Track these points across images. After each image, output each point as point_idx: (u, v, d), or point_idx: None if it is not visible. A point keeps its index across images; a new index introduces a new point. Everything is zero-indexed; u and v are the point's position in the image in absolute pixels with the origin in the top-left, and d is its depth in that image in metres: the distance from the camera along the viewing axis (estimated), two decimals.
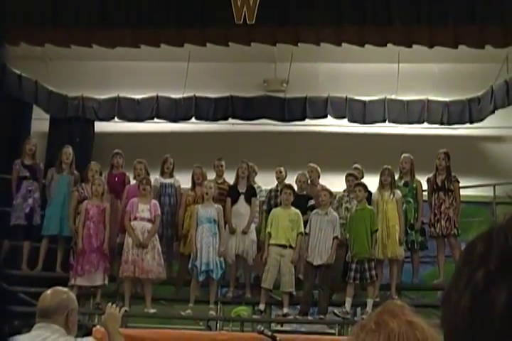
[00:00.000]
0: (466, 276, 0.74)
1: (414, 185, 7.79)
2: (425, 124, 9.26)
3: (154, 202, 7.54)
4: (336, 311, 7.05)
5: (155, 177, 8.11)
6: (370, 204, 7.47)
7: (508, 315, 0.68)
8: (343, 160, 8.45)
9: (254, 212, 7.79)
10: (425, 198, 7.85)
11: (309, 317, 7.23)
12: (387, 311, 1.49)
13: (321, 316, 7.13)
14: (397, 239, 7.33)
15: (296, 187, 7.82)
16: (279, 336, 4.47)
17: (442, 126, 9.23)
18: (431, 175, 7.79)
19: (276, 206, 7.65)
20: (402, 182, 7.81)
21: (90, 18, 8.03)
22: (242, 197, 7.80)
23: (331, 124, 9.50)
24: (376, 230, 7.18)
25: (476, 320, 0.71)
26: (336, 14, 7.94)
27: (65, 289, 3.33)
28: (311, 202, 7.67)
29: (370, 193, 7.60)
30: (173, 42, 8.34)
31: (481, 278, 0.72)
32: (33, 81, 9.16)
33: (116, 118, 9.65)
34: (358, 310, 7.34)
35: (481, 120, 8.99)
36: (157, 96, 9.49)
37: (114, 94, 9.59)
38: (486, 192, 8.48)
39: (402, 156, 7.89)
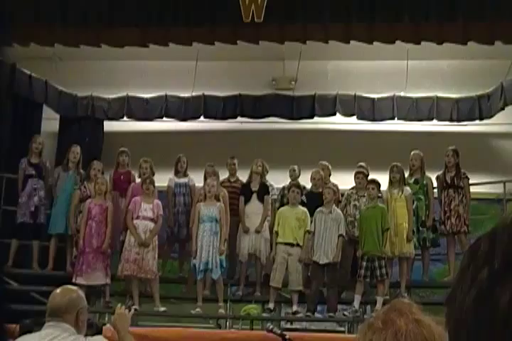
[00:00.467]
0: (470, 275, 0.74)
1: (425, 182, 7.76)
2: (434, 121, 9.23)
3: (157, 201, 7.54)
4: (345, 313, 7.05)
5: (169, 177, 8.12)
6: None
7: None
8: (352, 157, 8.44)
9: (267, 210, 7.80)
10: (435, 196, 7.82)
11: (319, 316, 7.23)
12: (394, 309, 1.49)
13: (331, 314, 7.13)
14: (405, 236, 7.31)
15: (310, 185, 7.83)
16: (288, 334, 4.47)
17: (452, 123, 9.20)
18: (440, 173, 7.76)
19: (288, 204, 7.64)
20: (413, 179, 7.79)
21: (99, 18, 8.06)
22: (254, 196, 7.81)
23: (339, 122, 9.48)
24: (388, 229, 7.16)
25: (480, 318, 0.71)
26: (345, 12, 7.92)
27: (75, 287, 3.34)
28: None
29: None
30: (182, 41, 8.34)
31: (485, 277, 0.72)
32: (43, 81, 9.20)
33: (125, 118, 9.69)
34: (368, 307, 7.33)
35: (491, 117, 8.94)
36: (166, 95, 9.51)
37: (123, 94, 9.62)
38: (496, 189, 8.44)
39: (412, 153, 7.86)
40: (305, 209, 7.43)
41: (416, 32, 8.04)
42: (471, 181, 7.77)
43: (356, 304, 7.05)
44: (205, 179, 7.97)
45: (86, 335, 3.12)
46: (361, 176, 7.66)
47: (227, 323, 7.41)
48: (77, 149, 8.19)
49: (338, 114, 9.27)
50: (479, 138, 9.21)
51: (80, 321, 3.07)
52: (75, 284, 5.64)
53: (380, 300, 6.92)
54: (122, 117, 9.69)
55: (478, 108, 9.02)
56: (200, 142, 9.42)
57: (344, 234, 7.30)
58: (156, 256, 7.34)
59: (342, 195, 7.80)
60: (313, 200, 7.54)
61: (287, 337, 4.29)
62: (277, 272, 7.22)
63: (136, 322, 7.45)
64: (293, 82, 9.79)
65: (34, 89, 9.08)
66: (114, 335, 3.36)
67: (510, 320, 0.69)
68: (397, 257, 7.39)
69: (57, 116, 9.73)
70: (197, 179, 8.14)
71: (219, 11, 8.00)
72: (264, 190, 7.81)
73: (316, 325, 7.61)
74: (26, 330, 3.67)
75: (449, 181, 7.66)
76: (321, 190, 7.79)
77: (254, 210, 7.75)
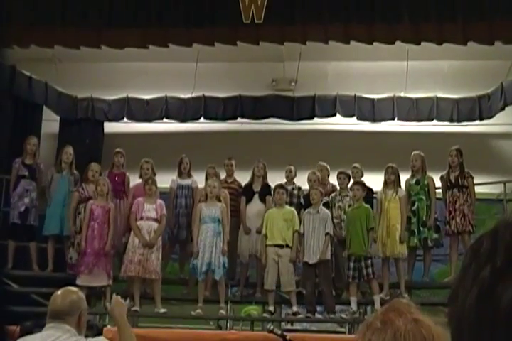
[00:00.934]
0: (472, 273, 0.73)
1: (426, 182, 7.75)
2: (435, 122, 9.23)
3: (160, 201, 7.53)
4: (343, 315, 7.05)
5: (172, 179, 8.11)
6: (372, 202, 7.46)
7: None
8: (353, 158, 8.42)
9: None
10: (439, 196, 7.82)
11: (319, 316, 7.23)
12: (393, 309, 1.49)
13: (331, 315, 7.13)
14: (397, 237, 7.31)
15: (307, 186, 7.83)
16: (289, 335, 4.47)
17: (452, 124, 9.20)
18: (444, 173, 7.75)
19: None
20: (414, 179, 7.77)
21: (98, 19, 8.06)
22: (256, 196, 7.81)
23: (339, 123, 9.49)
24: (372, 228, 7.18)
25: (482, 316, 0.71)
26: (344, 12, 7.92)
27: (75, 289, 3.33)
28: (323, 200, 7.65)
29: (372, 191, 7.60)
30: (182, 42, 8.35)
31: (487, 275, 0.72)
32: (43, 82, 9.21)
33: (125, 119, 9.69)
34: (369, 308, 7.32)
35: (491, 117, 8.95)
36: (166, 97, 9.51)
37: (123, 95, 9.62)
38: (496, 190, 8.44)
39: (413, 154, 7.85)
40: (292, 208, 7.45)
41: (416, 32, 8.03)
42: None
43: (354, 306, 7.05)
44: (207, 180, 7.96)
45: (87, 336, 3.12)
46: (343, 176, 7.71)
47: (228, 324, 7.41)
48: (69, 150, 8.14)
49: (338, 115, 9.27)
50: (479, 139, 9.21)
51: (81, 323, 3.07)
52: (75, 285, 5.64)
53: (377, 299, 6.93)
54: (122, 118, 9.69)
55: (478, 108, 9.02)
56: (201, 143, 9.42)
57: (331, 233, 7.30)
58: (160, 256, 7.33)
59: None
60: (309, 201, 7.53)
61: (288, 337, 4.29)
62: (269, 275, 7.22)
63: (137, 323, 7.45)
64: (293, 83, 9.79)
65: (34, 91, 9.08)
66: (115, 336, 3.36)
67: None
68: (388, 258, 7.38)
69: (58, 118, 9.74)
70: (197, 180, 8.14)
71: (219, 12, 8.01)
72: (266, 190, 7.81)
73: (317, 325, 7.60)
74: (27, 332, 3.67)
75: (453, 181, 7.64)
76: None
77: (255, 211, 7.75)
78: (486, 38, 7.91)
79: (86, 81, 9.69)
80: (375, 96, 9.27)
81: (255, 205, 7.78)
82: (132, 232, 7.36)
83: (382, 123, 9.34)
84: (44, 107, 9.44)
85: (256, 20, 7.80)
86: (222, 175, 8.20)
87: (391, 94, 9.23)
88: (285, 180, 8.02)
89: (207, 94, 9.42)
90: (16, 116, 8.94)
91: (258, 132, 9.59)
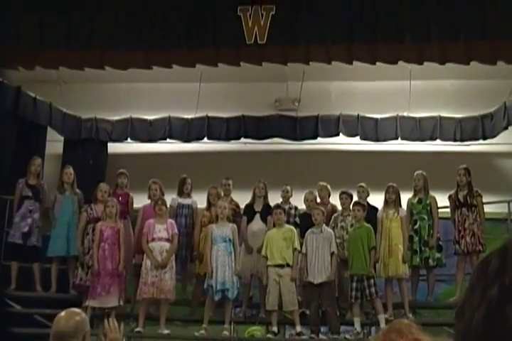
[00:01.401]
0: (480, 291, 0.73)
1: (428, 202, 7.73)
2: (438, 141, 9.23)
3: (171, 221, 7.54)
4: (347, 336, 6.99)
5: (172, 197, 8.11)
6: (375, 221, 7.43)
7: None
8: (356, 178, 8.42)
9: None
10: (448, 215, 7.78)
11: (323, 337, 7.16)
12: (394, 330, 1.48)
13: (335, 336, 7.07)
14: (400, 257, 7.28)
15: (304, 206, 7.82)
16: None
17: (455, 143, 9.19)
18: (452, 192, 7.73)
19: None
20: (416, 199, 7.77)
21: (102, 40, 8.12)
22: (257, 216, 7.80)
23: (343, 142, 9.49)
24: (373, 247, 7.15)
25: (489, 334, 0.71)
26: (347, 33, 7.96)
27: (78, 310, 3.31)
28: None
29: (377, 210, 7.58)
30: (185, 63, 8.39)
31: (495, 294, 0.71)
32: (47, 103, 9.26)
33: (129, 139, 9.72)
34: (373, 329, 7.25)
35: (494, 136, 8.94)
36: (169, 117, 9.55)
37: (126, 116, 9.67)
38: (500, 209, 8.40)
39: (416, 173, 7.85)
40: (291, 226, 7.45)
41: (418, 52, 8.06)
42: None
43: (357, 326, 6.99)
44: (208, 200, 7.96)
45: None
46: (345, 196, 7.72)
47: None
48: (69, 170, 8.17)
49: (341, 135, 9.28)
50: (483, 158, 9.19)
51: None
52: (79, 306, 5.61)
53: (381, 318, 6.87)
54: (126, 139, 9.72)
55: (481, 127, 9.02)
56: (204, 163, 9.43)
57: (336, 252, 7.27)
58: (174, 276, 7.29)
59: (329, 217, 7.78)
60: (307, 221, 7.53)
61: None
62: (270, 295, 7.19)
63: None
64: (296, 103, 9.82)
65: (39, 112, 9.13)
66: None
67: None
68: (390, 278, 7.33)
69: (62, 138, 9.77)
70: (200, 200, 8.13)
71: (222, 33, 8.06)
72: (267, 210, 7.80)
73: None
74: None
75: (461, 200, 7.62)
76: None
77: (257, 230, 7.73)
78: (488, 57, 7.93)
79: (90, 102, 9.74)
80: (378, 116, 9.29)
81: (256, 225, 7.77)
82: (145, 254, 7.35)
83: (386, 142, 9.34)
84: (48, 128, 9.48)
85: (259, 41, 7.84)
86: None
87: (394, 114, 9.24)
88: (281, 200, 8.01)
89: (210, 114, 9.45)
90: (20, 137, 8.98)
91: (261, 152, 9.60)
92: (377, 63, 8.19)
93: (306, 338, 7.16)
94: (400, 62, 8.16)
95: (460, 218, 7.57)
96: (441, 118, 9.17)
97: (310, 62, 8.31)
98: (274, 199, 8.20)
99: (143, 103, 9.77)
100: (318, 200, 8.03)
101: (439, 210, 7.83)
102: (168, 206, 7.66)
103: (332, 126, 9.26)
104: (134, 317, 7.36)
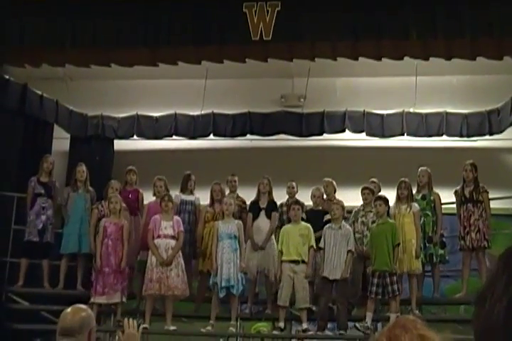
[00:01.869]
0: (504, 282, 0.73)
1: (432, 198, 7.73)
2: (444, 137, 9.20)
3: (177, 218, 7.57)
4: (357, 325, 6.98)
5: (175, 194, 8.13)
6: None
7: None
8: (362, 174, 8.42)
9: (273, 227, 7.78)
10: (454, 211, 7.77)
11: (329, 333, 7.18)
12: (399, 326, 1.48)
13: (341, 332, 7.08)
14: (413, 253, 7.27)
15: (311, 202, 7.82)
16: None
17: (461, 139, 9.17)
18: (458, 188, 7.72)
19: (289, 221, 7.63)
20: (420, 195, 7.77)
21: (108, 38, 8.14)
22: (263, 213, 7.81)
23: (349, 138, 9.49)
24: (398, 244, 7.13)
25: (510, 327, 0.71)
26: (352, 28, 7.95)
27: (84, 307, 3.33)
28: (327, 217, 7.63)
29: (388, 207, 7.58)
30: (191, 59, 8.40)
31: None
32: (53, 101, 9.29)
33: (135, 136, 9.74)
34: (379, 325, 7.26)
35: (501, 132, 8.90)
36: (175, 114, 9.56)
37: (132, 113, 9.69)
38: (507, 205, 8.38)
39: (420, 169, 7.85)
40: (308, 224, 7.44)
41: (424, 48, 8.04)
42: None
43: (369, 321, 6.99)
44: (212, 197, 7.98)
45: None
46: (367, 192, 7.66)
47: None
48: (82, 168, 8.23)
49: (347, 131, 9.27)
50: (489, 154, 9.16)
51: (91, 340, 3.07)
52: (86, 303, 5.64)
53: (393, 316, 6.86)
54: (132, 136, 9.74)
55: (488, 123, 8.98)
56: (210, 160, 9.44)
57: (353, 250, 7.27)
58: (181, 272, 7.31)
59: (349, 212, 7.77)
60: (314, 218, 7.53)
61: None
62: (283, 291, 7.20)
63: (147, 340, 7.44)
64: (302, 99, 9.81)
65: (45, 109, 9.16)
66: None
67: None
68: (405, 274, 7.33)
69: (68, 136, 9.81)
70: (207, 197, 8.15)
71: (227, 30, 8.06)
72: (272, 207, 7.81)
73: None
74: None
75: (467, 195, 7.60)
76: (321, 208, 7.78)
77: (262, 227, 7.74)
78: (494, 52, 7.90)
79: (96, 99, 9.77)
80: (384, 112, 9.27)
81: (262, 221, 7.77)
82: (150, 250, 7.37)
83: (392, 138, 9.33)
84: (55, 125, 9.51)
85: (264, 38, 7.83)
86: (226, 192, 8.21)
87: (400, 110, 9.22)
88: (287, 196, 8.02)
89: (216, 111, 9.46)
90: (27, 134, 9.02)
91: (267, 149, 9.61)
92: (382, 59, 8.17)
93: (311, 334, 7.18)
94: (406, 58, 8.14)
95: (466, 214, 7.56)
96: (447, 113, 9.14)
97: (315, 59, 8.30)
98: (280, 195, 8.21)
99: (149, 100, 9.78)
100: (324, 196, 8.03)
101: (446, 206, 7.82)
102: (173, 202, 7.66)
103: (338, 122, 9.25)
104: (141, 314, 7.38)
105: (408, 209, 7.46)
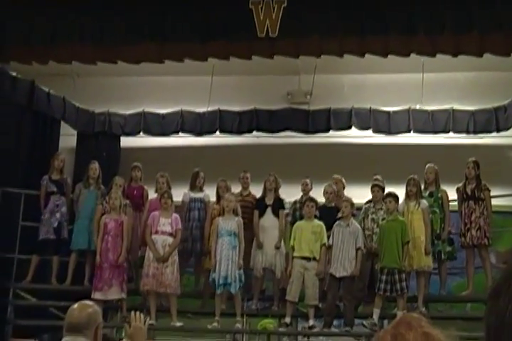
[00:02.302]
0: None
1: (440, 195, 7.72)
2: (451, 134, 9.18)
3: (175, 215, 7.57)
4: (364, 322, 6.99)
5: (184, 192, 8.15)
6: None
7: None
8: (368, 171, 8.41)
9: (283, 225, 7.79)
10: (455, 208, 7.76)
11: (335, 330, 7.19)
12: (403, 323, 1.48)
13: (347, 328, 7.09)
14: (422, 250, 7.26)
15: (324, 199, 7.83)
16: None
17: (468, 136, 9.14)
18: (460, 185, 7.71)
19: (301, 218, 7.64)
20: (427, 192, 7.76)
21: (115, 35, 8.15)
22: (269, 210, 7.82)
23: (355, 135, 9.47)
24: (408, 241, 7.12)
25: None
26: (359, 25, 7.93)
27: (91, 303, 3.35)
28: (340, 214, 7.63)
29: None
30: (197, 56, 8.40)
31: None
32: (61, 98, 9.32)
33: (141, 133, 9.76)
34: (386, 322, 7.26)
35: (508, 128, 8.88)
36: (182, 111, 9.57)
37: (139, 109, 9.70)
38: None
39: (427, 166, 7.83)
40: (321, 222, 7.43)
41: (431, 44, 8.00)
42: None
43: (376, 317, 6.99)
44: (218, 193, 7.99)
45: None
46: (377, 189, 7.66)
47: (244, 338, 7.38)
48: (95, 165, 8.30)
49: (353, 128, 9.26)
50: (496, 150, 9.14)
51: (98, 336, 3.08)
52: (92, 299, 5.66)
53: (400, 314, 6.85)
54: (139, 133, 9.76)
55: (495, 120, 8.96)
56: (216, 157, 9.45)
57: (362, 248, 7.26)
58: (175, 271, 7.34)
59: (357, 209, 7.76)
60: (327, 214, 7.53)
61: None
62: (293, 286, 7.21)
63: (153, 337, 7.46)
64: (308, 96, 9.80)
65: (52, 106, 9.20)
66: None
67: None
68: (414, 271, 7.33)
69: (75, 132, 9.84)
70: (212, 194, 8.16)
71: (233, 27, 8.05)
72: (278, 204, 7.82)
73: (334, 339, 7.55)
74: None
75: (469, 193, 7.60)
76: (333, 204, 7.78)
77: (268, 224, 7.75)
78: (501, 49, 7.86)
79: (103, 96, 9.79)
80: (391, 109, 9.25)
81: (268, 219, 7.78)
82: (147, 246, 7.40)
83: (398, 135, 9.31)
84: (62, 122, 9.54)
85: (271, 34, 7.82)
86: (235, 189, 8.21)
87: (407, 107, 9.20)
88: (301, 193, 8.02)
89: (222, 107, 9.46)
90: (35, 131, 9.06)
91: (273, 145, 9.61)
92: (389, 56, 8.15)
93: (317, 331, 7.19)
94: (413, 55, 8.11)
95: (467, 211, 7.56)
96: (454, 110, 9.11)
97: (322, 55, 8.29)
98: (286, 192, 8.22)
99: (155, 97, 9.80)
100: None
101: (453, 203, 7.80)
102: (173, 200, 7.65)
103: (344, 119, 9.24)
104: (147, 310, 7.41)
105: (417, 206, 7.45)
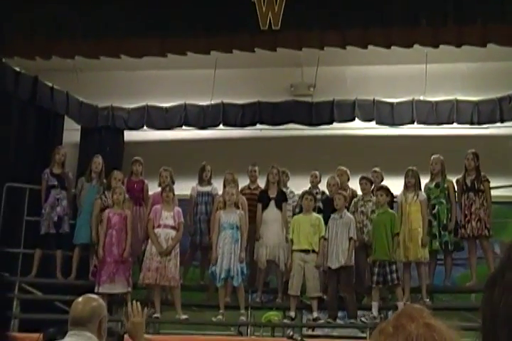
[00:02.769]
0: None
1: (446, 186, 7.71)
2: (455, 125, 9.15)
3: (178, 209, 7.59)
4: (363, 319, 7.02)
5: (192, 186, 8.16)
6: (392, 206, 7.43)
7: None
8: (372, 162, 8.41)
9: (286, 218, 7.80)
10: (456, 200, 7.76)
11: (340, 322, 7.21)
12: (405, 314, 1.48)
13: (352, 320, 7.10)
14: (419, 241, 7.27)
15: (327, 191, 7.83)
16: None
17: (472, 126, 9.12)
18: (460, 176, 7.71)
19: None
20: (434, 183, 7.75)
21: (117, 29, 8.15)
22: (272, 203, 7.82)
23: (358, 127, 9.46)
24: (397, 233, 7.15)
25: None
26: (361, 16, 7.90)
27: (96, 296, 3.36)
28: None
29: (392, 195, 7.57)
30: (200, 50, 8.39)
31: None
32: (64, 92, 9.33)
33: (145, 127, 9.77)
34: (390, 313, 7.28)
35: None
36: (185, 104, 9.57)
37: (142, 103, 9.70)
38: None
39: (432, 157, 7.82)
40: (319, 215, 7.45)
41: (434, 35, 7.97)
42: (492, 184, 7.69)
43: (374, 311, 7.02)
44: (225, 187, 8.00)
45: None
46: (365, 182, 7.71)
47: (249, 330, 7.41)
48: (98, 159, 8.31)
49: (357, 119, 9.25)
50: (500, 141, 9.10)
51: (102, 330, 3.10)
52: (96, 293, 5.68)
53: (401, 305, 6.89)
54: (142, 126, 9.77)
55: (499, 110, 8.92)
56: (220, 150, 9.45)
57: (355, 238, 7.28)
58: (178, 264, 7.36)
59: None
60: (330, 206, 7.53)
61: None
62: (295, 280, 7.23)
63: (158, 330, 7.50)
64: (311, 88, 9.79)
65: (56, 101, 9.21)
66: None
67: None
68: (412, 262, 7.34)
69: (78, 127, 9.86)
70: (220, 187, 8.17)
71: (236, 20, 8.04)
72: (281, 196, 7.82)
73: (338, 331, 7.57)
74: (50, 339, 3.71)
75: (469, 184, 7.60)
76: None
77: (272, 217, 7.75)
78: (505, 39, 7.83)
79: (106, 90, 9.79)
80: (394, 100, 9.23)
81: (271, 212, 7.78)
82: (150, 240, 7.41)
83: (402, 127, 9.29)
84: (65, 116, 9.55)
85: (273, 27, 7.80)
86: (243, 182, 8.22)
87: (410, 98, 9.18)
88: (309, 185, 8.02)
89: (225, 100, 9.46)
90: (38, 126, 9.08)
91: (277, 138, 9.60)
92: (392, 47, 8.13)
93: (322, 322, 7.21)
94: (416, 46, 8.08)
95: (467, 202, 7.56)
96: (457, 101, 9.08)
97: (325, 47, 8.27)
98: (290, 185, 8.23)
99: (158, 90, 9.79)
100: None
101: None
102: (175, 193, 7.65)
103: (348, 111, 9.23)
104: (152, 303, 7.44)
105: (415, 198, 7.46)
